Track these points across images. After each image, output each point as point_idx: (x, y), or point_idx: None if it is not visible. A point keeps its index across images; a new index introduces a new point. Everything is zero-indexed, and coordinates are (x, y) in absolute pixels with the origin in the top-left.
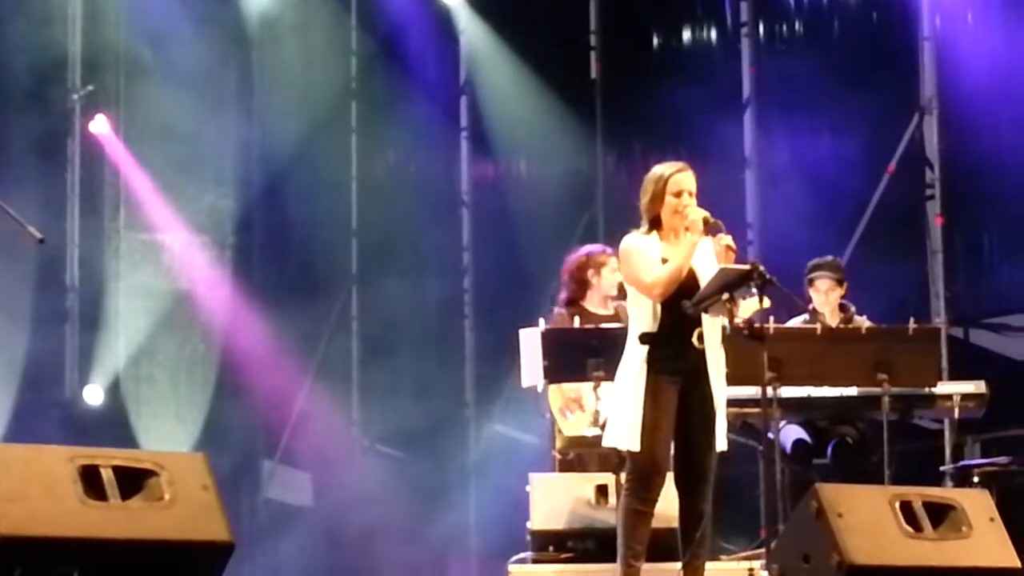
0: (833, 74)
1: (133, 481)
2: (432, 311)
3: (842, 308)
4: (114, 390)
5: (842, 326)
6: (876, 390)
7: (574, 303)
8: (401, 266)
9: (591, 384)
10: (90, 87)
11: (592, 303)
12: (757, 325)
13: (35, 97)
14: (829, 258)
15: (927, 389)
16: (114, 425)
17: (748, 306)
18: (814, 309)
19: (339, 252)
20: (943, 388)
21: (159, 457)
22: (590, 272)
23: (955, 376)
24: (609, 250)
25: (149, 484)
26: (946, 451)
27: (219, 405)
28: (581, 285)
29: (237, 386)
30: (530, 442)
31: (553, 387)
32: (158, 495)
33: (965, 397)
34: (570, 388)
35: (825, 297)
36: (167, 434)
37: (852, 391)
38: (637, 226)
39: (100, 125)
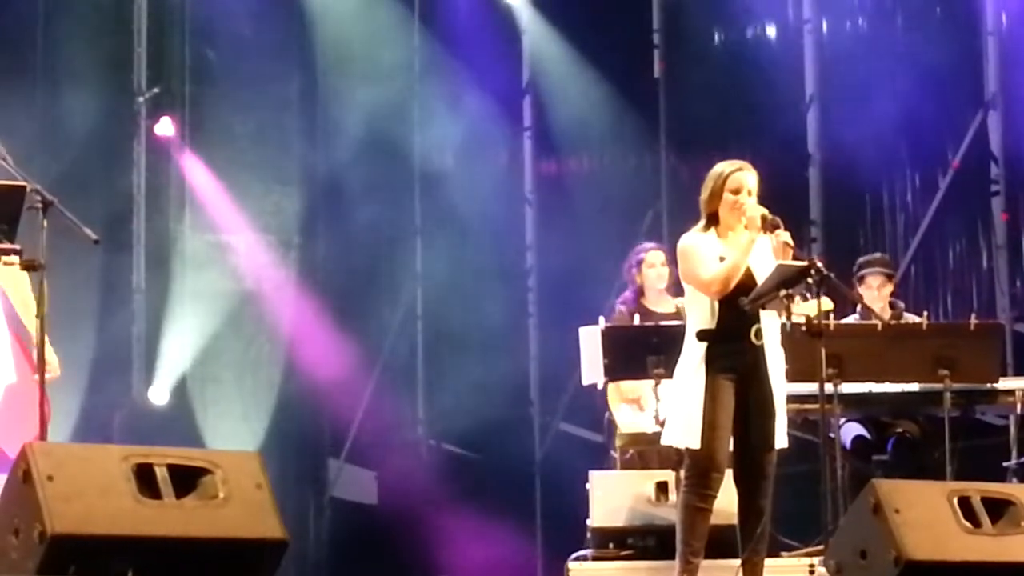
0: (897, 70)
1: (187, 479)
2: (497, 309)
3: (892, 306)
4: (180, 391)
5: (901, 322)
6: (937, 386)
7: (635, 301)
8: (465, 265)
9: (651, 383)
10: (155, 90)
11: (651, 301)
12: (817, 321)
13: (101, 101)
14: (878, 254)
15: (989, 385)
16: (180, 425)
17: (806, 308)
18: (865, 306)
19: (404, 250)
20: (1005, 384)
21: (213, 455)
22: (634, 271)
23: (1021, 372)
24: (649, 245)
25: (203, 482)
26: (1012, 447)
27: (285, 405)
28: (634, 284)
29: (303, 386)
30: (595, 440)
31: (612, 386)
32: (212, 493)
33: None
34: (629, 388)
35: (877, 293)
36: (233, 434)
37: (913, 387)
38: (699, 223)
39: (165, 127)
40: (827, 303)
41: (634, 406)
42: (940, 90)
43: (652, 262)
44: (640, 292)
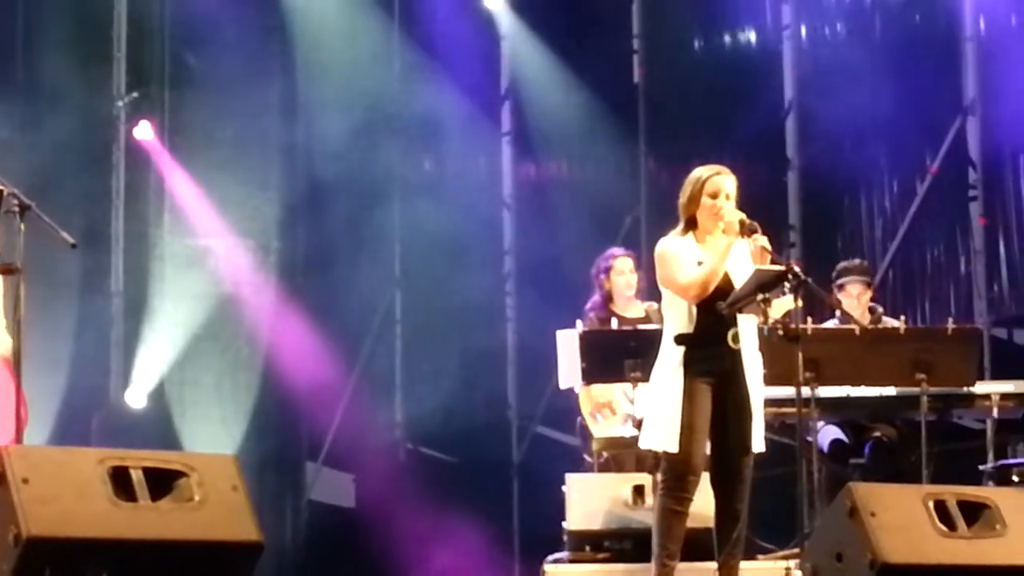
0: (875, 75)
1: (163, 482)
2: (474, 314)
3: (871, 311)
4: (158, 394)
5: (879, 327)
6: (915, 390)
7: (604, 307)
8: (444, 269)
9: (621, 387)
10: (135, 94)
11: (619, 307)
12: (794, 326)
13: (81, 104)
14: (857, 261)
15: (966, 389)
16: (158, 429)
17: (781, 305)
18: (844, 312)
19: (383, 255)
20: (982, 387)
21: (189, 458)
22: (602, 277)
23: (999, 377)
24: (618, 251)
25: (179, 485)
26: (988, 451)
27: (263, 408)
28: (602, 290)
29: (281, 389)
30: (572, 444)
31: (583, 391)
32: (188, 496)
33: (1004, 397)
34: (599, 392)
35: (857, 301)
36: (211, 438)
37: (890, 391)
38: (678, 227)
39: (145, 131)
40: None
41: (605, 410)
42: (919, 95)
43: (621, 269)
44: (609, 298)
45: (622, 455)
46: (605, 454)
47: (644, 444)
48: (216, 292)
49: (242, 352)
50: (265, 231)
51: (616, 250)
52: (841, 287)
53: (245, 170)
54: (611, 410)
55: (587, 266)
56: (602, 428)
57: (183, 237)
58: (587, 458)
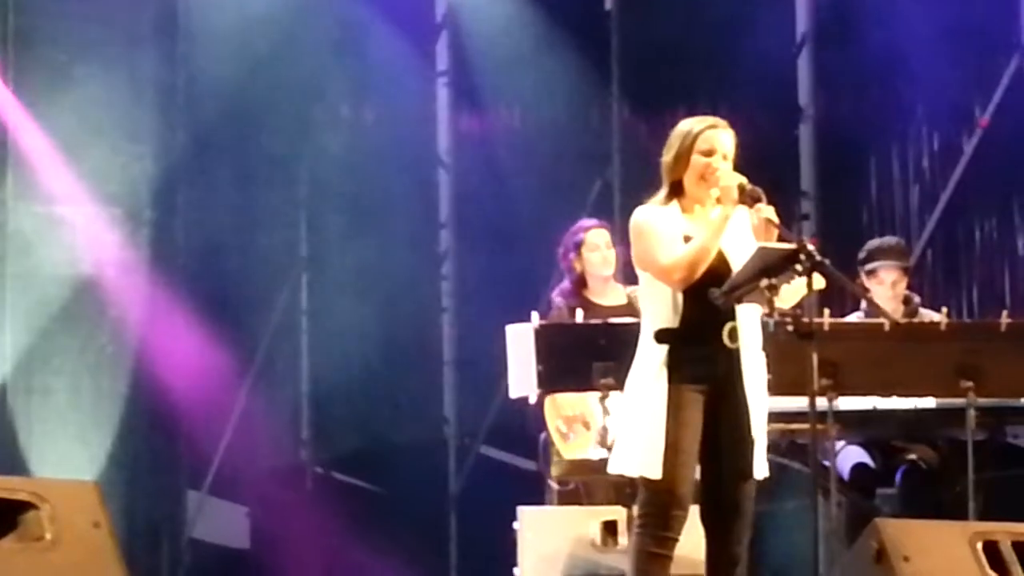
0: (910, 5)
1: (5, 516)
2: (402, 303)
3: (905, 301)
4: None
5: (915, 321)
6: (959, 401)
7: (576, 294)
8: (363, 248)
9: (596, 395)
10: None
11: (595, 292)
12: (808, 319)
13: None
14: (892, 240)
15: (1022, 400)
16: None
17: (794, 290)
18: (871, 302)
19: (285, 229)
20: None
21: (39, 486)
22: (571, 256)
23: None
24: (590, 223)
25: (25, 520)
26: None
27: (132, 423)
28: (572, 273)
29: (155, 398)
30: (525, 468)
31: (549, 400)
32: (37, 534)
33: None
34: (570, 402)
35: (892, 290)
36: (66, 459)
37: (929, 403)
38: (659, 193)
39: None
40: (819, 281)
41: (577, 425)
42: (964, 29)
43: (595, 244)
44: (581, 282)
45: (592, 482)
46: (572, 481)
47: (616, 468)
48: (73, 273)
49: (106, 351)
50: (136, 196)
51: (587, 221)
52: (871, 272)
53: (111, 119)
54: (584, 425)
55: (544, 243)
56: (573, 448)
57: (31, 203)
58: (552, 484)
